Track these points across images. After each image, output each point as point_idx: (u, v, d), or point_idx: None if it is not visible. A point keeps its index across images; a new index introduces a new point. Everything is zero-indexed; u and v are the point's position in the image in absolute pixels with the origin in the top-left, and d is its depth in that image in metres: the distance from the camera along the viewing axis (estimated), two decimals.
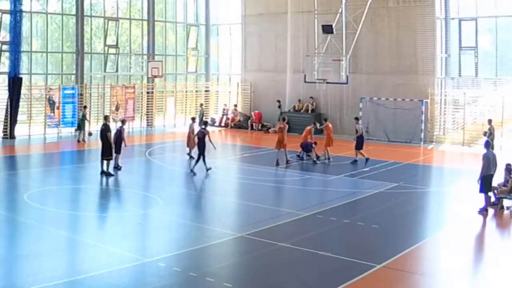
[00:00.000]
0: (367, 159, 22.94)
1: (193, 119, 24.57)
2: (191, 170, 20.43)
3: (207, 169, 20.39)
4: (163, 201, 16.56)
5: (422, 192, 18.83)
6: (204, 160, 20.37)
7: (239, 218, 15.55)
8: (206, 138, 20.55)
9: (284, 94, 34.62)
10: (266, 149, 23.81)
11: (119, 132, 20.63)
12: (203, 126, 21.26)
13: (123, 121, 21.73)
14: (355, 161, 23.15)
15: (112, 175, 19.59)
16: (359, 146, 23.23)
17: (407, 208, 16.73)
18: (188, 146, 23.55)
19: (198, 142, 20.62)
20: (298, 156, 24.13)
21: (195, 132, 21.96)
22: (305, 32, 33.01)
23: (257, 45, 36.05)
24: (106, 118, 20.99)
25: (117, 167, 20.51)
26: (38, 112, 29.99)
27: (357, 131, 23.37)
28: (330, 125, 24.49)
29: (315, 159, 23.31)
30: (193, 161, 21.01)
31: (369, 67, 31.66)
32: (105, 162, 19.69)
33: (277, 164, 22.34)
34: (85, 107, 29.45)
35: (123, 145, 20.74)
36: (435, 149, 28.50)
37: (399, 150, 27.53)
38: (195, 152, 21.81)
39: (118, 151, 20.55)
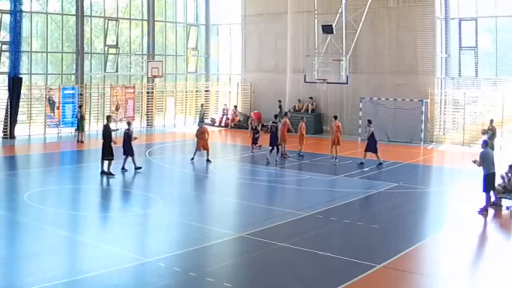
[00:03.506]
0: (361, 163, 22.57)
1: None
2: (277, 160, 22.69)
3: (277, 161, 22.70)
4: (163, 201, 16.56)
5: (422, 192, 18.83)
6: (277, 150, 22.86)
7: (239, 218, 15.54)
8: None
9: (284, 94, 34.61)
10: (266, 149, 23.79)
11: (127, 135, 20.42)
12: (274, 120, 23.88)
13: (128, 123, 21.42)
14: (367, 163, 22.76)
15: (113, 175, 19.54)
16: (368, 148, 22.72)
17: (407, 208, 16.73)
18: (204, 149, 23.03)
19: (271, 135, 22.94)
20: (299, 154, 24.42)
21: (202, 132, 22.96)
22: (305, 32, 33.03)
23: (257, 45, 36.05)
24: (108, 118, 20.91)
25: (131, 167, 20.39)
26: (38, 112, 30.00)
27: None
28: (337, 124, 23.91)
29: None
30: (273, 153, 22.90)
31: (369, 67, 31.66)
32: (105, 162, 19.66)
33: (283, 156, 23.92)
34: (80, 106, 29.43)
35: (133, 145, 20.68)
36: (435, 149, 28.50)
37: (399, 150, 27.53)
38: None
39: (128, 153, 20.43)
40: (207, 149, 22.90)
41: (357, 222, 14.69)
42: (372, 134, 22.71)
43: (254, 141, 25.38)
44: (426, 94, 29.70)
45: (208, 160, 22.72)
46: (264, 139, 25.57)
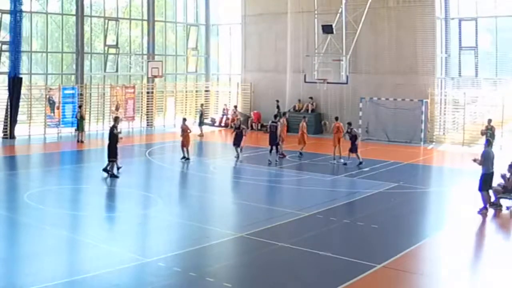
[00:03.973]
0: (360, 163, 22.62)
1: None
2: (277, 160, 22.96)
3: (276, 161, 22.98)
4: (163, 201, 16.57)
5: (422, 192, 18.83)
6: (277, 149, 23.16)
7: (239, 218, 15.54)
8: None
9: (284, 94, 34.62)
10: (266, 149, 23.80)
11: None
12: (273, 120, 23.97)
13: (116, 119, 20.39)
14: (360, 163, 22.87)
15: (117, 177, 19.30)
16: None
17: (407, 208, 16.73)
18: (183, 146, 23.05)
19: (270, 134, 23.35)
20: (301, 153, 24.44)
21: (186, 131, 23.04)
22: (305, 32, 33.02)
23: (257, 45, 36.05)
24: (115, 119, 20.41)
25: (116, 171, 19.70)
26: (38, 112, 30.00)
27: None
28: (337, 125, 23.87)
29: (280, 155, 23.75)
30: (273, 153, 23.13)
31: (369, 67, 31.66)
32: (110, 163, 19.48)
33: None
34: (80, 106, 29.38)
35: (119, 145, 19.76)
36: (435, 149, 28.50)
37: (399, 150, 27.54)
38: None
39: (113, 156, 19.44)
40: (186, 147, 22.92)
41: (357, 222, 14.70)
42: (353, 135, 22.85)
43: (236, 141, 23.61)
44: (426, 94, 29.70)
45: (183, 158, 22.71)
46: (264, 139, 25.60)
